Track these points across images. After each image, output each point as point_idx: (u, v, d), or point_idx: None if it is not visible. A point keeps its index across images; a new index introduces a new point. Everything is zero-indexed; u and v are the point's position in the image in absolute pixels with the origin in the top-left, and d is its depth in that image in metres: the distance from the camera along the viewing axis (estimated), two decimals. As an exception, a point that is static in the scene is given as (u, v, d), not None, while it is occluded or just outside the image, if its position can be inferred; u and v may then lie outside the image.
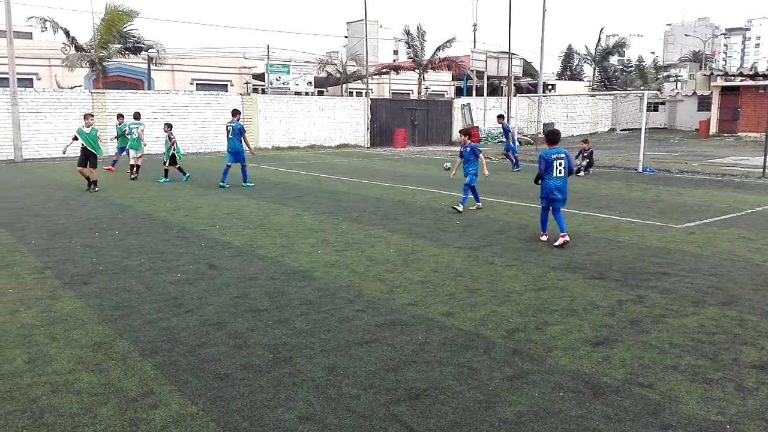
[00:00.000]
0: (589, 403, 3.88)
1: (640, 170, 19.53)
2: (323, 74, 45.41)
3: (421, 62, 42.29)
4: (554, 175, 8.37)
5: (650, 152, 23.86)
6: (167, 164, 16.45)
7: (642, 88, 57.71)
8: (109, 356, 4.60)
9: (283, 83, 43.99)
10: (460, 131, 11.79)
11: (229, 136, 15.16)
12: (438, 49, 41.81)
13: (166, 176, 16.52)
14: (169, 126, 16.75)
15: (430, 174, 19.01)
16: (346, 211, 11.51)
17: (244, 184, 15.16)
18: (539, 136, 35.18)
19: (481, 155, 11.34)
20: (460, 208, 11.20)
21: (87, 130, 14.15)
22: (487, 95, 37.65)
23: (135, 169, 17.16)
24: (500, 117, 22.54)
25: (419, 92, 44.25)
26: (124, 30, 30.31)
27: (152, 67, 33.41)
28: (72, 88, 32.12)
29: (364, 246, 8.43)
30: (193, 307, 5.77)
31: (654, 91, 28.05)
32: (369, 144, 34.64)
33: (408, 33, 41.66)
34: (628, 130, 41.89)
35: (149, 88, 33.87)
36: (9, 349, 4.74)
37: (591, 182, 16.66)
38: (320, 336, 5.02)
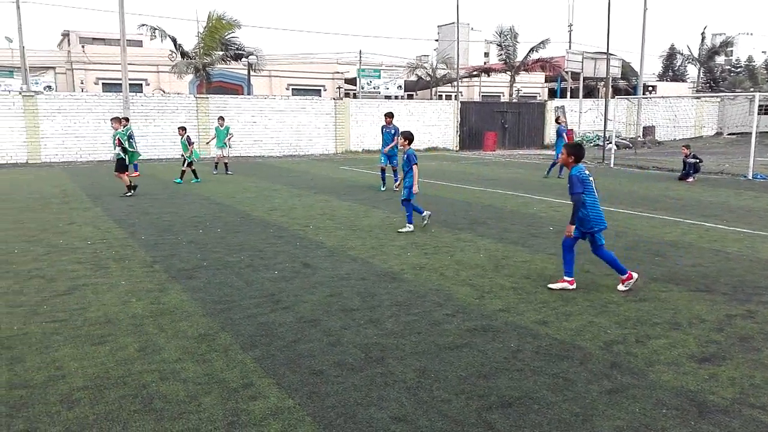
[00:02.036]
0: (695, 422, 3.67)
1: (750, 177, 18.23)
2: (413, 78, 45.61)
3: (514, 64, 41.54)
4: (596, 197, 6.43)
5: (761, 158, 22.20)
6: (190, 165, 17.21)
7: (752, 89, 53.83)
8: (212, 348, 4.85)
9: (374, 87, 44.61)
10: (401, 134, 10.16)
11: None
12: (531, 50, 40.93)
13: (196, 176, 17.32)
14: (183, 129, 17.57)
15: (521, 178, 18.64)
16: (435, 214, 11.48)
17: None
18: (638, 139, 33.64)
19: (415, 166, 9.65)
20: (406, 229, 9.65)
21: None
22: (583, 97, 36.42)
23: (218, 166, 19.42)
24: (558, 119, 20.80)
25: (510, 94, 43.49)
26: (226, 38, 31.86)
27: (252, 73, 34.85)
28: (176, 93, 34.07)
29: (453, 250, 8.39)
30: (290, 303, 5.97)
31: (766, 93, 26.07)
32: (458, 147, 34.46)
33: (501, 34, 41.04)
34: (737, 134, 39.21)
35: (248, 94, 35.38)
36: (122, 337, 5.10)
37: (696, 189, 15.74)
38: (410, 338, 5.05)
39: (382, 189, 15.14)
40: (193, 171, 17.26)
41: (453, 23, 45.99)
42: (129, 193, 14.08)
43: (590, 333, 5.17)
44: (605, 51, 32.00)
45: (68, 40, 44.86)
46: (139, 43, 41.43)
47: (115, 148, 14.37)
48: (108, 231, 9.76)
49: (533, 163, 25.16)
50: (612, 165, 22.94)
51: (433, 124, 33.97)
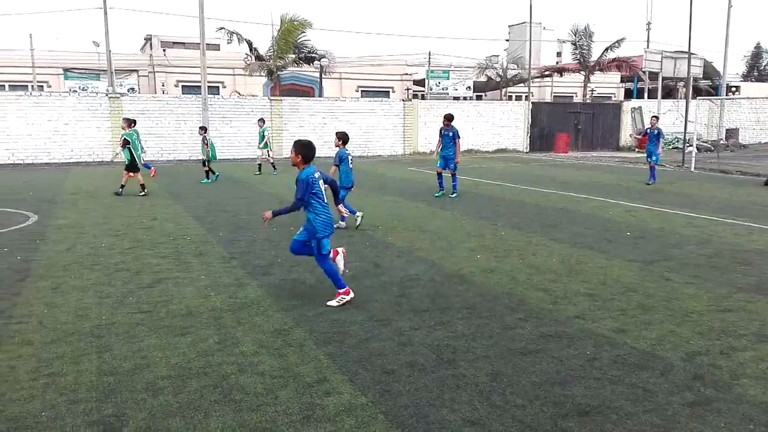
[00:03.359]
0: (789, 443, 3.47)
1: None
2: (483, 79, 45.13)
3: (588, 63, 40.37)
4: (326, 202, 6.06)
5: None
6: (207, 165, 17.67)
7: None
8: (287, 342, 4.97)
9: (443, 88, 44.46)
10: (336, 134, 10.33)
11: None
12: (607, 49, 39.64)
13: (208, 176, 17.75)
14: (203, 129, 18.07)
15: (595, 181, 18.10)
16: (505, 216, 11.35)
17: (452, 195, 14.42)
18: (721, 142, 31.99)
19: (333, 167, 9.98)
20: (357, 221, 10.00)
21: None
22: (661, 98, 34.98)
23: (264, 165, 20.23)
24: (655, 118, 19.55)
25: (584, 95, 42.29)
26: (298, 40, 32.56)
27: (323, 75, 35.47)
28: (251, 96, 35.11)
29: (524, 253, 8.26)
30: (360, 302, 6.04)
31: None
32: (528, 149, 33.83)
33: (575, 33, 39.97)
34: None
35: (320, 96, 36.03)
36: (203, 329, 5.31)
37: (785, 195, 14.81)
38: (482, 341, 5.01)
39: (436, 195, 14.27)
40: (207, 171, 17.78)
41: (524, 23, 45.18)
42: (142, 193, 14.39)
43: (671, 343, 4.97)
44: (686, 50, 30.59)
45: (150, 44, 47.05)
46: (216, 47, 42.95)
47: (123, 149, 14.69)
48: (188, 227, 10.18)
49: (607, 166, 24.37)
50: (693, 169, 21.90)
51: (503, 125, 33.50)
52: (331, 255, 6.14)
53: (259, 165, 20.41)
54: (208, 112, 26.52)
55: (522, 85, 44.79)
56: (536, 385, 4.19)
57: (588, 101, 40.52)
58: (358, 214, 10.17)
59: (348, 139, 10.32)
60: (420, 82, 47.32)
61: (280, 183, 17.35)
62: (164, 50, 43.32)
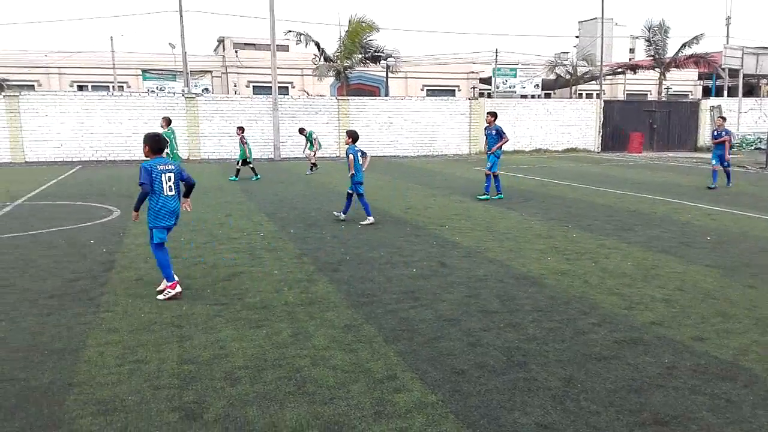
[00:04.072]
0: None
1: None
2: (552, 76, 44.17)
3: (663, 60, 38.82)
4: (174, 192, 6.22)
5: None
6: (245, 165, 18.02)
7: None
8: (357, 338, 5.06)
9: (510, 86, 43.82)
10: (346, 132, 10.86)
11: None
12: (683, 45, 38.00)
13: (256, 174, 18.18)
14: (241, 129, 18.41)
15: (671, 182, 17.41)
16: (576, 218, 11.09)
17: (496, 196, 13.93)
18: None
19: (350, 157, 10.41)
20: (366, 222, 10.41)
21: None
22: (742, 96, 33.23)
23: (313, 166, 20.67)
24: (721, 119, 17.22)
25: (659, 93, 40.70)
26: (365, 41, 32.88)
27: (389, 74, 35.65)
28: (318, 95, 35.70)
29: (597, 256, 8.05)
30: (428, 301, 6.07)
31: None
32: (599, 148, 32.89)
33: (649, 29, 38.52)
34: None
35: (386, 95, 36.23)
36: (277, 322, 5.47)
37: None
38: (554, 345, 4.93)
39: (480, 198, 13.64)
40: (238, 171, 18.15)
41: (595, 18, 43.91)
42: None
43: (756, 354, 4.73)
44: (772, 44, 28.92)
45: (223, 46, 48.63)
46: (285, 48, 43.91)
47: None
48: (260, 224, 10.49)
49: (684, 167, 23.38)
50: (778, 170, 20.71)
51: (573, 124, 32.69)
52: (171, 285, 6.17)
53: (313, 164, 20.89)
54: (278, 112, 27.16)
55: (593, 82, 43.55)
56: (611, 392, 4.09)
57: (663, 99, 38.98)
58: (343, 216, 10.74)
59: (358, 137, 10.74)
60: (486, 81, 46.82)
61: (346, 180, 17.55)
62: (236, 52, 44.68)
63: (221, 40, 50.73)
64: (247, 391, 4.10)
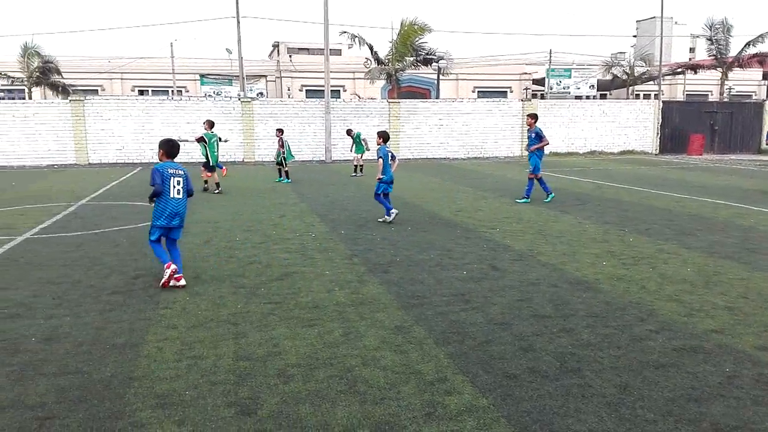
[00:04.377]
0: None
1: None
2: (608, 77, 43.10)
3: (725, 60, 37.31)
4: (170, 193, 6.67)
5: None
6: (280, 166, 18.43)
7: None
8: (407, 340, 5.07)
9: (564, 87, 43.01)
10: (377, 133, 11.01)
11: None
12: (747, 44, 36.42)
13: (280, 176, 18.72)
14: (280, 131, 18.70)
15: (734, 185, 16.72)
16: (633, 222, 10.80)
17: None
18: None
19: (380, 160, 10.59)
20: (382, 219, 10.83)
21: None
22: (814, 95, 31.61)
23: (359, 168, 20.76)
24: None
25: (721, 93, 39.15)
26: (417, 43, 32.89)
27: (440, 76, 35.56)
28: (370, 98, 35.92)
29: (655, 261, 7.81)
30: (479, 304, 6.02)
31: None
32: (657, 151, 31.90)
33: (711, 27, 37.10)
34: None
35: (436, 97, 36.16)
36: (328, 322, 5.54)
37: None
38: (609, 351, 4.82)
39: (518, 201, 13.52)
40: (286, 172, 18.52)
41: (654, 17, 42.65)
42: (217, 191, 15.27)
43: (827, 366, 4.50)
44: None
45: (278, 51, 49.58)
46: (338, 52, 44.45)
47: (199, 144, 15.77)
48: (312, 225, 10.65)
49: (748, 170, 22.42)
50: None
51: (630, 126, 31.82)
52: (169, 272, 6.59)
53: (359, 167, 20.99)
54: (330, 115, 27.48)
55: (651, 83, 42.30)
56: (669, 401, 3.97)
57: (725, 100, 37.47)
58: (393, 212, 10.82)
59: (388, 137, 10.98)
60: (539, 82, 46.10)
61: (401, 185, 17.61)
62: (290, 56, 45.47)
63: (276, 45, 51.74)
64: (300, 389, 4.17)
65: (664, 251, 8.41)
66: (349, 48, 42.98)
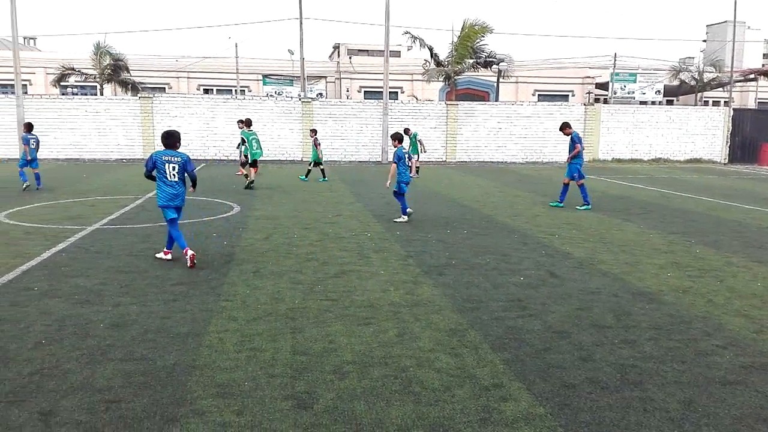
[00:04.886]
0: None
1: None
2: (675, 82, 41.62)
3: (806, 65, 35.38)
4: (166, 178, 7.62)
5: None
6: (317, 166, 18.71)
7: None
8: (462, 343, 5.04)
9: (628, 92, 41.80)
10: (390, 135, 11.35)
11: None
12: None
13: (324, 176, 18.94)
14: (314, 132, 19.15)
15: (811, 199, 15.82)
16: (700, 233, 10.38)
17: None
18: None
19: (394, 165, 11.01)
20: (399, 219, 11.01)
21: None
22: None
23: (415, 170, 20.37)
24: None
25: (799, 101, 37.16)
26: (477, 45, 32.61)
27: (500, 79, 35.16)
28: (426, 100, 35.86)
29: (723, 275, 7.49)
30: (537, 311, 5.92)
31: None
32: (726, 160, 30.58)
33: (790, 32, 35.25)
34: None
35: (495, 100, 35.77)
36: (383, 321, 5.57)
37: None
38: (673, 365, 4.65)
39: (552, 204, 13.51)
40: (322, 171, 18.84)
41: (726, 22, 40.91)
42: (249, 185, 15.91)
43: None
44: None
45: (338, 52, 50.16)
46: (397, 54, 44.61)
47: (240, 146, 16.56)
48: (368, 225, 10.73)
49: (827, 183, 21.18)
50: None
51: (698, 133, 30.61)
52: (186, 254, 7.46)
53: (416, 168, 20.75)
54: (388, 116, 27.59)
55: (721, 89, 40.58)
56: (736, 419, 3.80)
57: (804, 108, 35.55)
58: (408, 211, 11.13)
59: (403, 138, 11.29)
60: (603, 86, 44.97)
61: (457, 188, 17.53)
62: (350, 58, 45.92)
63: (336, 47, 52.35)
64: (355, 386, 4.21)
65: (733, 264, 8.05)
66: (409, 50, 43.08)
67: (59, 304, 5.91)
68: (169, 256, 7.80)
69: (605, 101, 41.39)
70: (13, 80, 25.77)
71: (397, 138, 11.11)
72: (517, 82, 44.62)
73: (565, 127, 13.31)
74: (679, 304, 6.25)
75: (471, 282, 6.98)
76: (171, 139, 7.61)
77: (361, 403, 3.96)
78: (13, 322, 5.40)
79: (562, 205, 13.33)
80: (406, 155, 11.13)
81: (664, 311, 6.00)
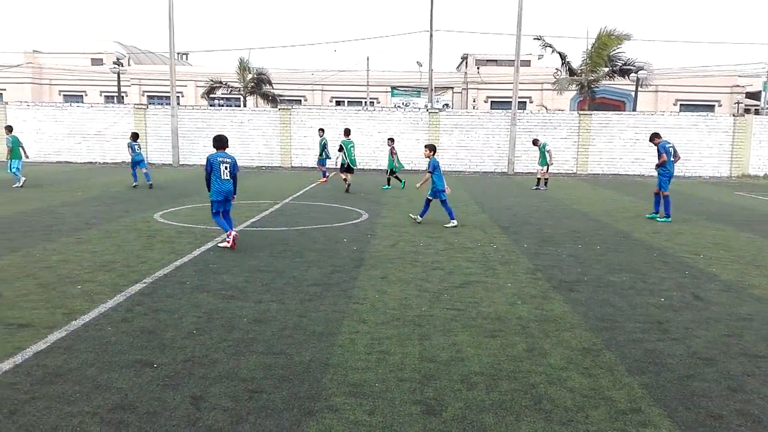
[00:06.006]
0: None
1: None
2: None
3: None
4: (220, 175, 9.03)
5: None
6: (391, 174, 19.11)
7: None
8: (596, 363, 4.84)
9: (787, 102, 37.88)
10: (425, 145, 11.75)
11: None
12: None
13: (388, 184, 19.25)
14: (391, 140, 19.50)
15: None
16: None
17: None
18: None
19: (428, 174, 11.42)
20: (450, 224, 11.38)
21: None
22: None
23: (543, 182, 20.06)
24: None
25: None
26: (613, 53, 31.16)
27: (638, 88, 33.32)
28: (557, 110, 34.76)
29: None
30: (679, 336, 5.55)
31: None
32: None
33: None
34: None
35: (633, 110, 33.94)
36: (511, 335, 5.49)
37: None
38: (842, 406, 4.16)
39: (660, 220, 13.01)
40: (397, 178, 19.17)
41: None
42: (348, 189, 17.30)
43: None
44: None
45: (466, 63, 50.10)
46: (527, 63, 43.72)
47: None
48: (494, 236, 10.61)
49: None
50: None
51: None
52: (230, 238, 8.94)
53: (544, 180, 20.27)
54: (516, 127, 27.12)
55: None
56: None
57: None
58: (454, 221, 11.50)
59: (436, 149, 11.74)
60: (755, 95, 41.13)
61: (589, 202, 16.85)
62: (478, 68, 45.71)
63: (465, 57, 52.30)
64: (484, 397, 4.19)
65: None
66: (539, 58, 42.04)
67: (208, 298, 6.44)
68: (230, 237, 8.93)
69: (757, 112, 37.82)
70: (168, 92, 28.40)
71: (432, 149, 11.57)
72: (656, 92, 42.04)
73: (654, 137, 13.26)
74: None
75: (605, 300, 6.68)
76: (222, 142, 8.98)
77: (490, 415, 3.94)
78: (168, 312, 5.96)
79: (657, 216, 13.25)
80: (440, 164, 11.61)
81: (831, 345, 5.37)
